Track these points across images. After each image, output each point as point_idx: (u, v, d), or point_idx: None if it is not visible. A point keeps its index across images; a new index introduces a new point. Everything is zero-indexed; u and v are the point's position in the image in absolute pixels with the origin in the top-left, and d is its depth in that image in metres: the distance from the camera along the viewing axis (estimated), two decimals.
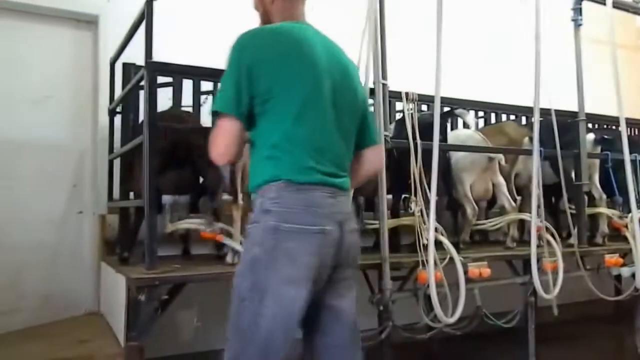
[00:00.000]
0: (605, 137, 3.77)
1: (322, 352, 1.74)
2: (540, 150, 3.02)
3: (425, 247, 2.55)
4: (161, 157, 2.48)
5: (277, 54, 1.67)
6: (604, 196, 3.68)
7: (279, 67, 1.66)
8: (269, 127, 1.67)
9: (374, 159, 1.91)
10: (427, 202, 2.66)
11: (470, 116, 3.48)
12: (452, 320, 2.54)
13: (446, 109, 3.19)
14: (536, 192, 2.90)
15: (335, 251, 1.68)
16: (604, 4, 3.35)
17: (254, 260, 1.61)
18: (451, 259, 2.64)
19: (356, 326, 1.78)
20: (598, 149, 3.71)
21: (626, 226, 3.45)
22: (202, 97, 3.17)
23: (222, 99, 1.67)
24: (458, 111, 3.27)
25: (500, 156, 3.25)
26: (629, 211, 3.44)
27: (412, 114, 2.90)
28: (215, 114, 1.68)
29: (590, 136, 3.71)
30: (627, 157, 3.23)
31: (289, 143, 1.65)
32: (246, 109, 1.65)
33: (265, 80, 1.64)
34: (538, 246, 2.91)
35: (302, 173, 1.64)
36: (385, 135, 2.64)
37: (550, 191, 3.61)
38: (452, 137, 3.45)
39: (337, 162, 1.72)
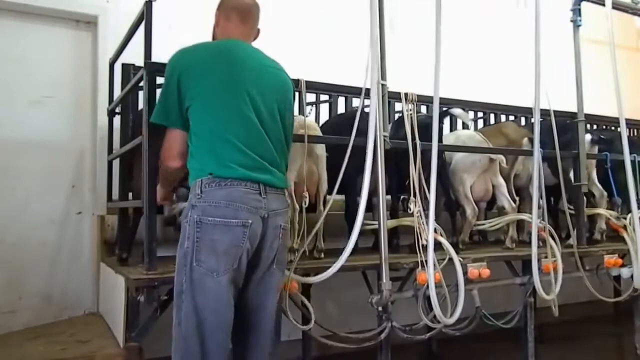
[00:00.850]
0: (602, 136, 3.77)
1: (251, 350, 1.88)
2: (540, 151, 3.02)
3: (425, 247, 2.55)
4: None
5: (200, 60, 1.89)
6: (605, 193, 3.67)
7: (203, 72, 1.86)
8: (195, 127, 1.84)
9: None
10: (425, 202, 2.66)
11: (467, 116, 3.48)
12: (451, 320, 2.54)
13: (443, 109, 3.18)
14: (536, 192, 2.90)
15: (257, 246, 1.82)
16: (603, 4, 3.35)
17: (185, 254, 1.77)
18: (450, 259, 2.64)
19: (274, 329, 1.95)
20: (595, 149, 3.72)
21: (624, 227, 3.45)
22: None
23: (155, 112, 1.93)
24: (457, 112, 3.27)
25: (502, 157, 3.25)
26: (628, 212, 3.45)
27: (410, 114, 2.90)
28: (153, 124, 1.95)
29: (587, 136, 3.71)
30: (627, 158, 3.23)
31: (212, 140, 1.81)
32: (178, 117, 1.86)
33: (192, 84, 1.85)
34: (538, 247, 2.91)
35: (224, 168, 1.78)
36: (384, 136, 2.63)
37: (550, 193, 3.61)
38: (453, 137, 3.45)
39: (264, 158, 1.84)
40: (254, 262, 1.85)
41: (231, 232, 1.75)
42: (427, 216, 2.55)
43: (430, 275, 2.46)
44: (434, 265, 2.50)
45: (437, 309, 2.48)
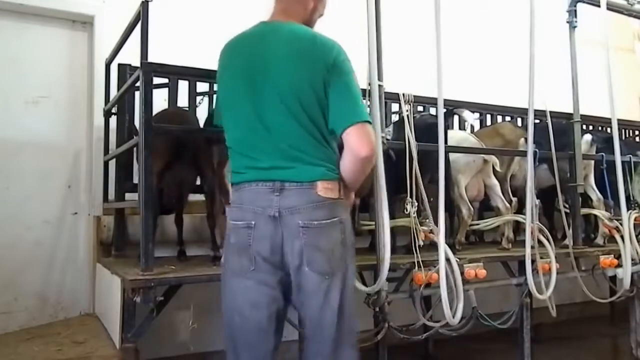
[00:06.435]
0: (602, 137, 3.79)
1: (305, 354, 1.82)
2: (535, 152, 3.03)
3: (421, 248, 2.55)
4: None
5: (221, 65, 1.90)
6: (602, 198, 3.69)
7: (221, 77, 1.89)
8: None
9: (351, 144, 1.71)
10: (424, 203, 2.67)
11: (471, 117, 3.48)
12: (456, 320, 2.54)
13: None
14: (530, 193, 2.91)
15: (277, 247, 1.71)
16: (599, 6, 3.36)
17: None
18: (447, 260, 2.64)
19: (334, 337, 1.74)
20: (594, 150, 3.73)
21: (616, 228, 3.46)
22: (198, 98, 3.17)
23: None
24: (465, 113, 3.28)
25: (495, 159, 3.26)
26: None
27: (407, 115, 2.90)
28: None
29: (587, 137, 3.72)
30: (618, 159, 3.25)
31: (230, 148, 1.83)
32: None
33: (219, 91, 1.97)
34: (533, 247, 2.92)
35: (237, 175, 1.79)
36: (382, 137, 2.63)
37: (548, 194, 3.62)
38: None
39: (278, 154, 1.72)
40: (280, 264, 1.74)
41: (239, 234, 1.75)
42: (436, 215, 2.54)
43: (442, 277, 2.46)
44: (434, 265, 2.50)
45: (447, 310, 2.47)
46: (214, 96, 3.24)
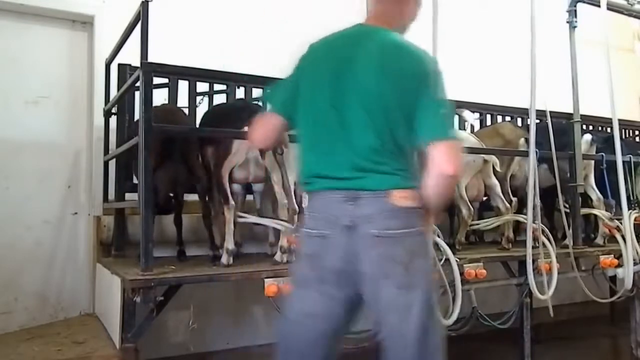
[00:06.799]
0: (600, 136, 3.79)
1: None
2: (536, 152, 3.03)
3: None
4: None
5: (299, 66, 1.82)
6: (602, 198, 3.69)
7: (302, 73, 1.79)
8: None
9: (437, 161, 1.62)
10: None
11: (471, 117, 3.49)
12: (450, 321, 2.54)
13: None
14: (531, 193, 2.91)
15: (345, 257, 1.64)
16: (599, 6, 3.36)
17: None
18: (447, 259, 2.65)
19: (408, 357, 1.62)
20: (593, 150, 3.73)
21: (616, 228, 3.46)
22: (198, 98, 3.17)
23: None
24: (465, 113, 3.28)
25: (495, 159, 3.26)
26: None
27: None
28: None
29: (587, 137, 3.72)
30: (619, 159, 3.24)
31: (302, 155, 1.77)
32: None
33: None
34: (533, 247, 2.92)
35: (309, 182, 1.73)
36: None
37: (548, 194, 3.62)
38: None
39: (354, 163, 1.65)
40: (352, 277, 1.66)
41: (312, 243, 1.70)
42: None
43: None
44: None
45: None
46: (214, 96, 3.25)
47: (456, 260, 2.66)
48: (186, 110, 3.10)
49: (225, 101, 3.25)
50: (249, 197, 3.13)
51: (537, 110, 3.03)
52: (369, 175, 1.64)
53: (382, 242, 1.61)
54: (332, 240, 1.65)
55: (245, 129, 2.57)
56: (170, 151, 2.64)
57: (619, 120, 3.35)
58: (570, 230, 3.39)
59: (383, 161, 1.64)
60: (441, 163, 1.61)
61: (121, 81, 2.99)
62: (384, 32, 1.73)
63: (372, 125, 1.64)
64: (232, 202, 2.59)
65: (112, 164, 3.11)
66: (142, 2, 2.32)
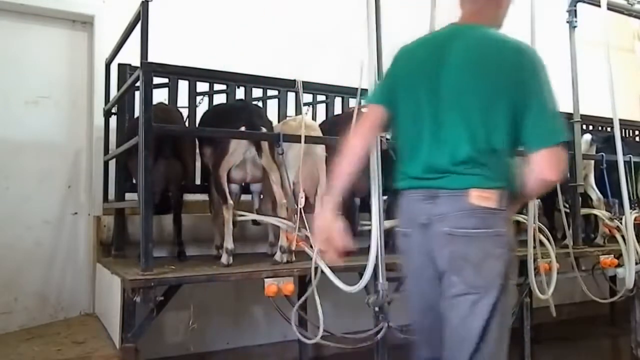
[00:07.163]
0: (600, 135, 3.79)
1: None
2: None
3: None
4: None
5: (392, 67, 1.87)
6: (602, 197, 3.68)
7: (399, 75, 1.82)
8: None
9: (541, 167, 1.58)
10: None
11: None
12: None
13: None
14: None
15: (425, 254, 1.67)
16: (599, 6, 3.36)
17: None
18: None
19: (464, 354, 1.60)
20: (593, 149, 3.73)
21: (617, 228, 3.46)
22: (198, 98, 3.17)
23: None
24: None
25: None
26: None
27: None
28: None
29: (587, 137, 3.72)
30: (620, 159, 3.24)
31: (398, 155, 1.82)
32: None
33: None
34: (533, 247, 2.92)
35: (399, 180, 1.77)
36: (382, 136, 2.63)
37: (548, 194, 3.61)
38: None
39: (439, 163, 1.63)
40: (432, 273, 1.67)
41: (401, 241, 1.78)
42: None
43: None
44: None
45: None
46: (214, 96, 3.25)
47: None
48: (186, 111, 3.10)
49: (225, 101, 3.25)
50: (248, 197, 3.13)
51: None
52: (451, 175, 1.62)
53: (454, 241, 1.59)
54: (413, 238, 1.70)
55: (242, 129, 2.59)
56: (162, 148, 2.64)
57: (619, 120, 3.36)
58: (570, 230, 3.39)
59: (468, 161, 1.60)
60: (544, 171, 1.58)
61: (121, 81, 2.99)
62: (479, 30, 1.70)
63: (464, 126, 1.61)
64: (230, 201, 2.60)
65: (112, 164, 3.11)
66: (142, 2, 2.32)
